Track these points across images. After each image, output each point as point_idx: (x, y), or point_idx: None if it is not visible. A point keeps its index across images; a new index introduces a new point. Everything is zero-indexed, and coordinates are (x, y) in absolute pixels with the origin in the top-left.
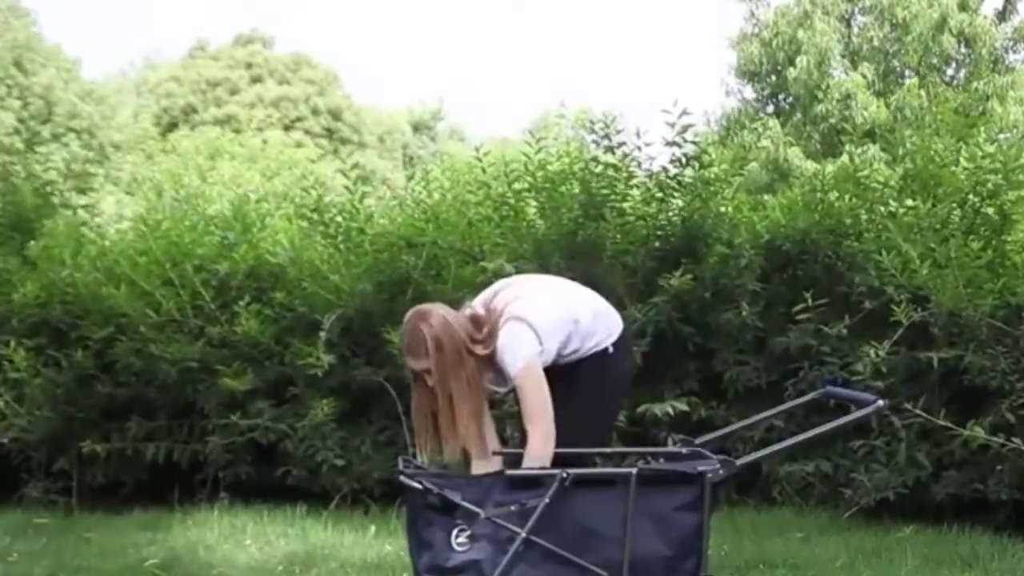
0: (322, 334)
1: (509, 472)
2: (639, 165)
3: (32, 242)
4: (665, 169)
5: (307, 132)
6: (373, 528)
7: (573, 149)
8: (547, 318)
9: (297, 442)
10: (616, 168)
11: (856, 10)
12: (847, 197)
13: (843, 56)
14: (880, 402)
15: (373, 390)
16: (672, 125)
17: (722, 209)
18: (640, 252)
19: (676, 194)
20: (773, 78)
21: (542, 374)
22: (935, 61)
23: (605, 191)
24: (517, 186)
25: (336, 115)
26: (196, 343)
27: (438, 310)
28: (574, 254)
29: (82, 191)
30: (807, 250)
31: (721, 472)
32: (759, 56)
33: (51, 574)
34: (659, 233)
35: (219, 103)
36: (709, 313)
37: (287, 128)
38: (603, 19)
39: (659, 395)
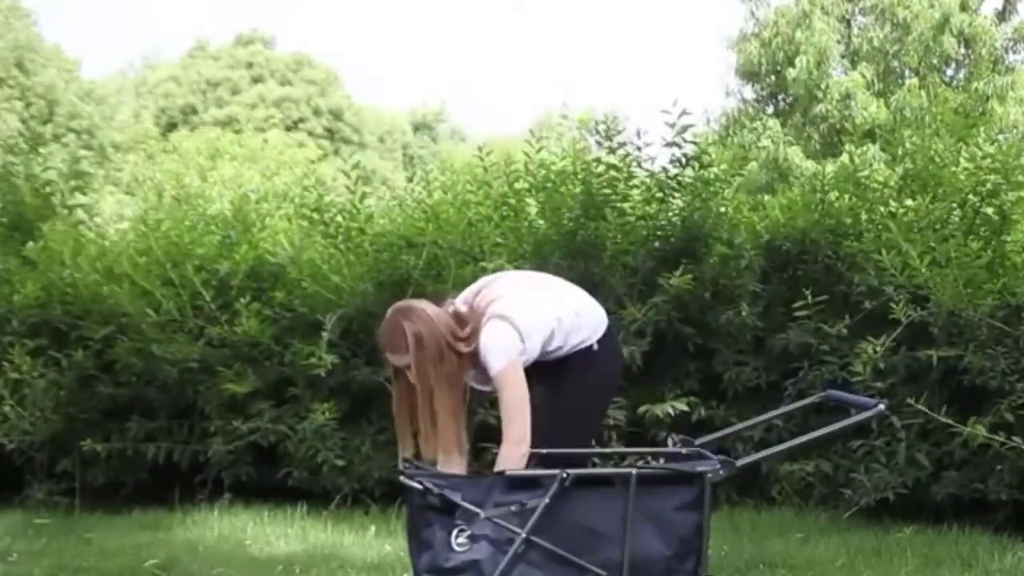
0: (324, 334)
1: (509, 472)
2: (639, 165)
3: (32, 242)
4: (665, 169)
5: (309, 133)
6: (373, 528)
7: (580, 150)
8: (529, 317)
9: (297, 443)
10: (616, 168)
11: (856, 10)
12: (847, 197)
13: (843, 56)
14: (881, 406)
15: (373, 390)
16: (672, 125)
17: (722, 209)
18: (640, 252)
19: (676, 194)
20: (773, 78)
21: (522, 375)
22: (935, 61)
23: (605, 191)
24: (518, 186)
25: (337, 115)
26: (196, 343)
27: (420, 306)
28: (574, 254)
29: (81, 191)
30: (807, 250)
31: (721, 472)
32: (759, 56)
33: (51, 574)
34: (659, 233)
35: (220, 103)
36: (709, 313)
37: (289, 128)
38: (603, 19)
39: (659, 395)
